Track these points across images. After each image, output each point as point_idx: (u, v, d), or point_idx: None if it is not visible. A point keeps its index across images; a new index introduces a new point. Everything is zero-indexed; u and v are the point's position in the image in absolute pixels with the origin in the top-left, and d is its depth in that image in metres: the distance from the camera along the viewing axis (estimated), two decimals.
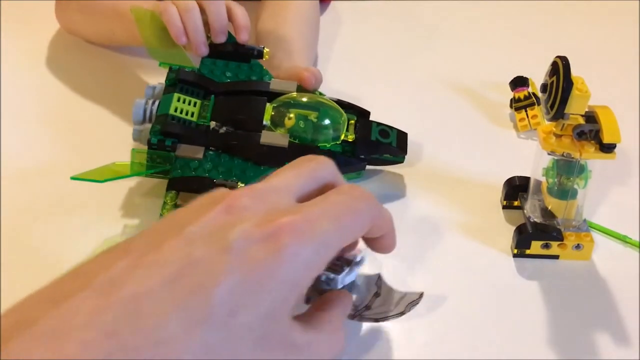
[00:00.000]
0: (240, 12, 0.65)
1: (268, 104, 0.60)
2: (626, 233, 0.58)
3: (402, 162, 0.63)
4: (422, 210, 0.61)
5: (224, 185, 0.56)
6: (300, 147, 0.59)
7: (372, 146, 0.61)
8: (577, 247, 0.55)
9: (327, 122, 0.59)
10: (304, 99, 0.61)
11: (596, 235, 0.58)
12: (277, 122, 0.59)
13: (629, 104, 0.75)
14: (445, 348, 0.49)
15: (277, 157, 0.58)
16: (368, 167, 0.63)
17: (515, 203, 0.61)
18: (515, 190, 0.60)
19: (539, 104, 0.71)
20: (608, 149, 0.51)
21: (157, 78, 0.66)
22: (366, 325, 0.50)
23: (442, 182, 0.64)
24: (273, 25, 0.76)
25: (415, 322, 0.51)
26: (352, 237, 0.32)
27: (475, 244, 0.58)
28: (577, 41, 0.86)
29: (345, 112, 0.61)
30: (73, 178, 0.55)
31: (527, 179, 0.58)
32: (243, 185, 0.57)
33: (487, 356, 0.48)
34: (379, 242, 0.37)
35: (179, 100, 0.60)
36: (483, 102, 0.76)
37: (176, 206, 0.56)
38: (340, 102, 0.63)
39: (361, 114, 0.64)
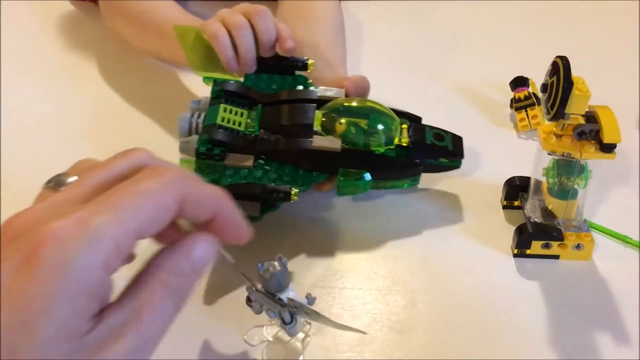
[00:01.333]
0: (284, 26, 0.64)
1: (317, 111, 0.59)
2: (626, 233, 0.58)
3: (458, 167, 0.60)
4: (423, 210, 0.61)
5: (277, 191, 0.54)
6: (352, 152, 0.57)
7: (427, 150, 0.59)
8: (578, 247, 0.55)
9: (378, 126, 0.58)
10: (354, 104, 0.60)
11: (596, 235, 0.58)
12: (327, 128, 0.58)
13: (629, 104, 0.75)
14: (446, 348, 0.49)
15: (329, 163, 0.57)
16: None
17: (516, 203, 0.61)
18: (516, 190, 0.60)
19: (539, 104, 0.71)
20: (608, 149, 0.51)
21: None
22: (364, 325, 0.50)
23: (443, 182, 0.64)
24: (302, 33, 0.73)
25: (415, 321, 0.51)
26: (147, 222, 0.28)
27: (476, 244, 0.58)
28: (577, 41, 0.86)
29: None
30: None
31: (528, 179, 0.58)
32: (297, 190, 0.55)
33: (487, 356, 0.48)
34: (216, 227, 0.32)
35: (225, 111, 0.59)
36: (483, 102, 0.76)
37: None
38: (392, 109, 0.61)
39: (413, 119, 0.62)
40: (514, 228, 0.57)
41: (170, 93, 0.77)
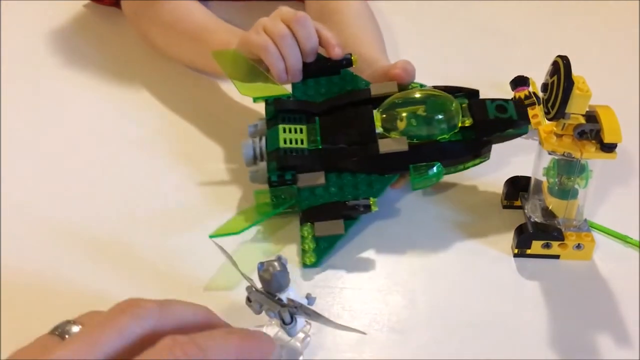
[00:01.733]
0: (329, 32, 0.63)
1: (375, 111, 0.59)
2: (627, 233, 0.58)
3: (526, 132, 0.59)
4: (423, 211, 0.61)
5: (358, 205, 0.55)
6: (419, 147, 0.57)
7: (492, 125, 0.57)
8: (578, 247, 0.55)
9: (439, 115, 0.57)
10: (410, 96, 0.59)
11: (597, 235, 0.57)
12: (389, 127, 0.58)
13: (630, 103, 0.75)
14: (446, 348, 0.49)
15: (399, 162, 0.57)
16: None
17: (516, 203, 0.61)
18: (516, 190, 0.60)
19: (539, 104, 0.71)
20: (609, 148, 0.50)
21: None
22: (364, 325, 0.50)
23: (443, 182, 0.64)
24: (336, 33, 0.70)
25: (415, 321, 0.51)
26: None
27: (476, 244, 0.58)
28: (577, 41, 0.86)
29: (454, 97, 0.59)
30: (211, 236, 0.53)
31: (528, 178, 0.58)
32: (375, 200, 0.55)
33: (487, 356, 0.48)
34: None
35: (284, 131, 0.58)
36: None
37: (315, 238, 0.55)
38: (445, 88, 0.60)
39: (471, 95, 0.61)
40: (514, 228, 0.56)
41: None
